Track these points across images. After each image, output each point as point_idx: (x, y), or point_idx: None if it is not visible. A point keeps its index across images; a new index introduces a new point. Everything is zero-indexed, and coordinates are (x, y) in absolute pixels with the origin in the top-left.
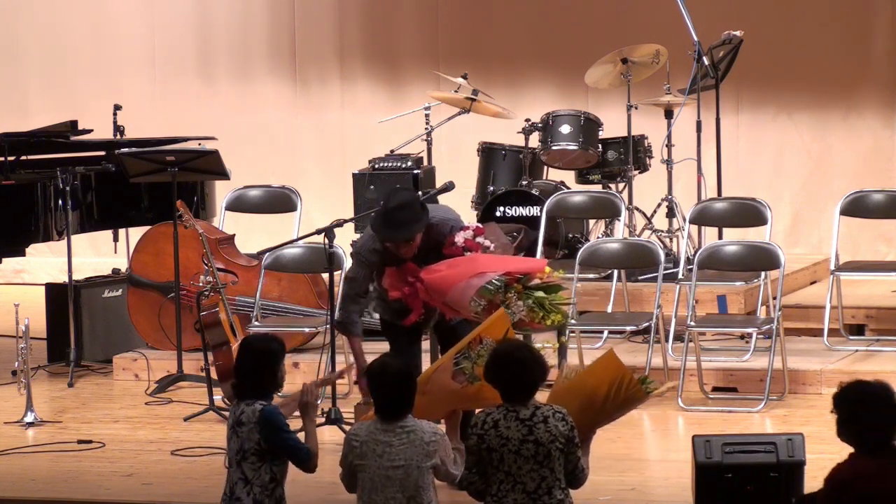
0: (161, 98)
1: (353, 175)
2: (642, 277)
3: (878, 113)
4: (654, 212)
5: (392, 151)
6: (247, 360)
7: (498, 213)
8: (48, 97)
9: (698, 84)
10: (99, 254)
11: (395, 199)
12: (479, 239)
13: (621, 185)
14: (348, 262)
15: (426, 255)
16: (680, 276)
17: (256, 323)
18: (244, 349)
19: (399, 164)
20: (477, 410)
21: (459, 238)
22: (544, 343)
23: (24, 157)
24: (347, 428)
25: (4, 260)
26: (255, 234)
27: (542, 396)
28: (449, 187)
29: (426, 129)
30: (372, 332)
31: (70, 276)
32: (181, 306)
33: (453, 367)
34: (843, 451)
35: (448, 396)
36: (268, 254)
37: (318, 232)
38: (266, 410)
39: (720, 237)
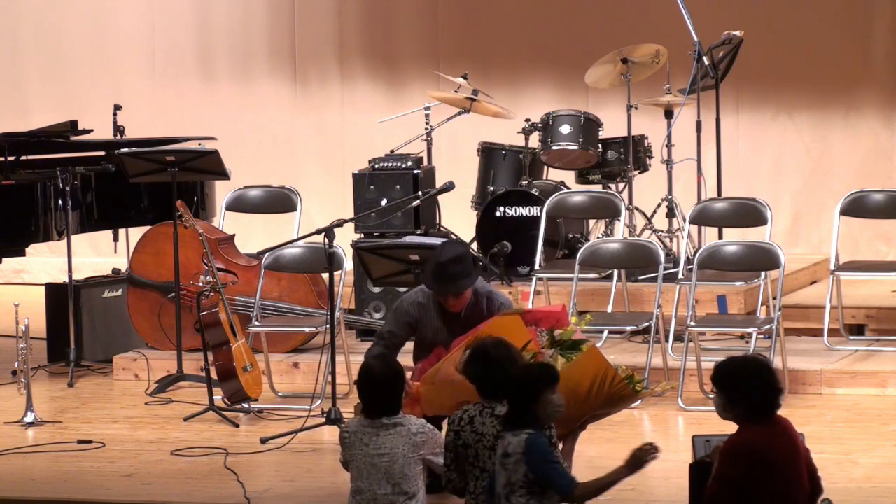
0: (161, 98)
1: (353, 175)
2: (642, 277)
3: (878, 113)
4: (654, 212)
5: (392, 151)
6: (516, 389)
7: (498, 213)
8: (48, 97)
9: (698, 84)
10: (99, 254)
11: (446, 252)
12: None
13: (621, 185)
14: (348, 263)
15: (468, 324)
16: (680, 276)
17: (256, 323)
18: (516, 377)
19: (399, 164)
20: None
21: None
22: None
23: (24, 157)
24: None
25: (4, 260)
26: (255, 234)
27: None
28: (449, 187)
29: (426, 129)
30: (372, 333)
31: (70, 276)
32: (181, 306)
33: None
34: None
35: (454, 388)
36: (268, 254)
37: (318, 232)
38: (531, 439)
39: (720, 237)
